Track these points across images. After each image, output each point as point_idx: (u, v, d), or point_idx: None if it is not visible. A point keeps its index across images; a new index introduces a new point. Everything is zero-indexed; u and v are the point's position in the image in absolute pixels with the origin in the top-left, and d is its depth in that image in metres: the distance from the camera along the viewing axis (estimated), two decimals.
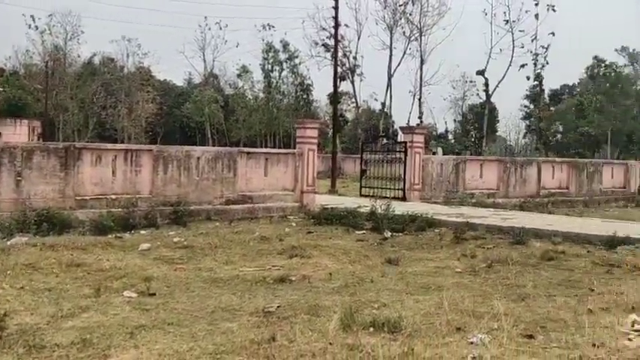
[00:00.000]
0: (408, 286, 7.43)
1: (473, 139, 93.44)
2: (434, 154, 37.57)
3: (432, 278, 7.98)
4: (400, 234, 11.94)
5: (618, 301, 6.21)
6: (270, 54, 44.80)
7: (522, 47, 38.43)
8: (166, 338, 4.98)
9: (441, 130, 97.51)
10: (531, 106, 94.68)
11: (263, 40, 45.59)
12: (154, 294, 6.65)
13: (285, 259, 8.98)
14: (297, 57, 44.75)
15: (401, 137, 19.90)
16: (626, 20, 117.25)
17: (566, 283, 7.57)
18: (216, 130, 50.38)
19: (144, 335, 5.05)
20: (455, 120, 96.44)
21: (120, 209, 11.96)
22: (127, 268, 7.96)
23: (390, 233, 11.85)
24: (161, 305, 6.13)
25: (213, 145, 40.80)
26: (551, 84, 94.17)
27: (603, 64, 63.82)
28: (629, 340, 4.53)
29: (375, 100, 64.30)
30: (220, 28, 48.76)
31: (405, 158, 17.55)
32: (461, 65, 68.04)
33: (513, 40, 39.76)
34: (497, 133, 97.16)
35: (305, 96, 46.13)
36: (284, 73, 45.51)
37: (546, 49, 37.97)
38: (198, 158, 13.64)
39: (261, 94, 47.69)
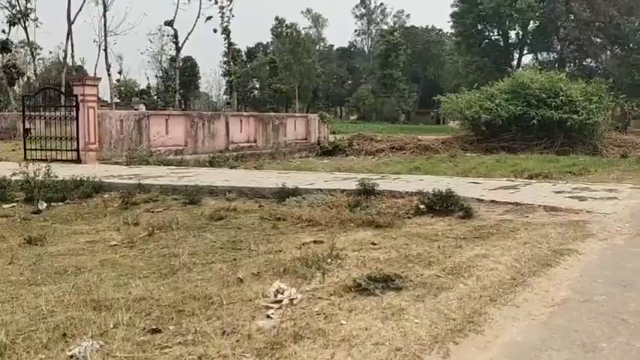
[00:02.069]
0: (38, 273, 5.89)
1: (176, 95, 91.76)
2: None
3: (77, 258, 6.57)
4: (60, 204, 10.12)
5: (273, 262, 5.74)
6: None
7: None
8: None
9: (143, 86, 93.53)
10: (231, 63, 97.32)
11: None
12: None
13: None
14: None
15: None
16: None
17: (230, 244, 6.96)
18: None
19: None
20: (156, 76, 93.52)
21: None
22: None
23: (45, 204, 9.92)
24: None
25: None
26: (248, 42, 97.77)
27: (284, 25, 68.12)
28: (268, 317, 3.89)
29: (64, 51, 57.76)
30: None
31: (78, 114, 15.32)
32: (152, 15, 64.69)
33: None
34: (201, 90, 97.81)
35: None
36: None
37: (230, 1, 38.03)
38: None
39: None
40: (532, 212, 7.85)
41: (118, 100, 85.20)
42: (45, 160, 15.87)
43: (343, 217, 7.89)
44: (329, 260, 5.49)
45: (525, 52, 62.04)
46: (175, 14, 37.65)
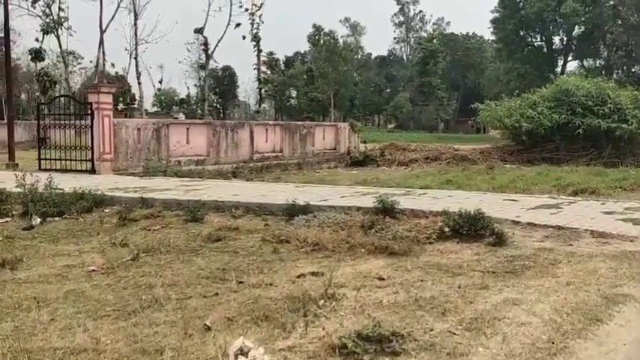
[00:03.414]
0: None
1: (214, 104, 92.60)
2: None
3: (44, 286, 5.77)
4: (57, 219, 9.41)
5: (258, 301, 4.78)
6: None
7: (241, 7, 37.12)
8: None
9: (183, 95, 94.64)
10: (268, 72, 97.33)
11: None
12: None
13: None
14: None
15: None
16: None
17: (219, 273, 6.03)
18: None
19: None
20: (196, 85, 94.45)
21: None
22: None
23: (39, 220, 9.23)
24: None
25: None
26: (286, 51, 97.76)
27: (322, 32, 67.35)
28: None
29: (105, 61, 58.46)
30: None
31: (92, 123, 14.75)
32: (184, 24, 64.58)
33: None
34: (241, 99, 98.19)
35: None
36: None
37: (259, 7, 37.18)
38: None
39: None
40: (577, 239, 6.66)
41: (159, 109, 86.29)
42: (60, 171, 15.41)
43: (354, 241, 6.87)
44: (321, 302, 4.48)
45: (570, 58, 59.69)
46: (205, 22, 37.18)
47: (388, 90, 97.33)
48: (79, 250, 7.32)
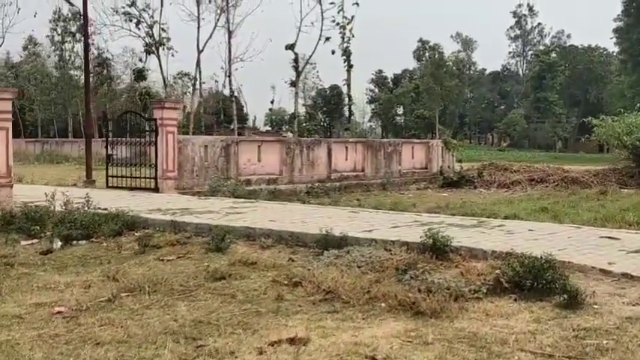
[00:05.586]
0: None
1: (321, 123, 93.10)
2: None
3: None
4: (83, 242, 8.67)
5: None
6: (60, 23, 38.50)
7: (333, 21, 36.03)
8: None
9: (291, 114, 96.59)
10: (376, 90, 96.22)
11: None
12: None
13: None
14: (90, 25, 38.87)
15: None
16: (460, 9, 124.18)
17: (191, 328, 4.78)
18: None
19: None
20: (304, 104, 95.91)
21: None
22: None
23: (60, 243, 8.54)
24: None
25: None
26: (394, 69, 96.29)
27: (428, 46, 64.95)
28: None
29: (216, 81, 60.18)
30: None
31: (156, 140, 14.26)
32: (277, 40, 64.43)
33: (322, 12, 37.04)
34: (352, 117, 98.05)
35: (104, 71, 40.33)
36: (79, 45, 39.29)
37: (350, 21, 35.73)
38: None
39: (54, 71, 41.03)
40: None
41: (269, 128, 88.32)
42: (126, 188, 15.09)
43: (377, 290, 5.33)
44: None
45: None
46: (297, 38, 36.62)
47: (502, 107, 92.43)
48: (67, 284, 6.39)
